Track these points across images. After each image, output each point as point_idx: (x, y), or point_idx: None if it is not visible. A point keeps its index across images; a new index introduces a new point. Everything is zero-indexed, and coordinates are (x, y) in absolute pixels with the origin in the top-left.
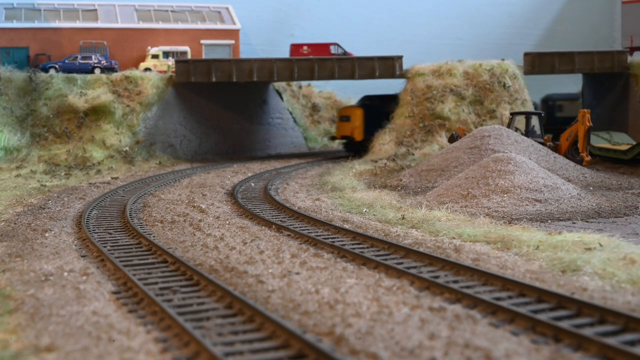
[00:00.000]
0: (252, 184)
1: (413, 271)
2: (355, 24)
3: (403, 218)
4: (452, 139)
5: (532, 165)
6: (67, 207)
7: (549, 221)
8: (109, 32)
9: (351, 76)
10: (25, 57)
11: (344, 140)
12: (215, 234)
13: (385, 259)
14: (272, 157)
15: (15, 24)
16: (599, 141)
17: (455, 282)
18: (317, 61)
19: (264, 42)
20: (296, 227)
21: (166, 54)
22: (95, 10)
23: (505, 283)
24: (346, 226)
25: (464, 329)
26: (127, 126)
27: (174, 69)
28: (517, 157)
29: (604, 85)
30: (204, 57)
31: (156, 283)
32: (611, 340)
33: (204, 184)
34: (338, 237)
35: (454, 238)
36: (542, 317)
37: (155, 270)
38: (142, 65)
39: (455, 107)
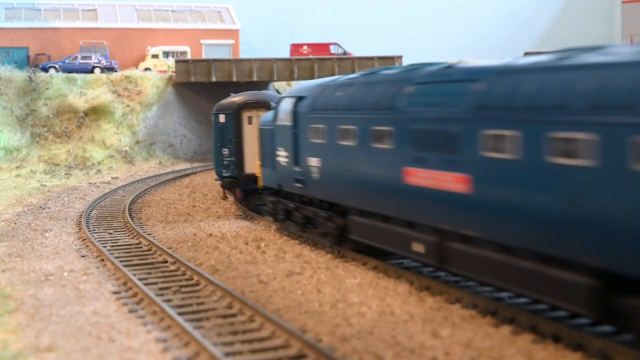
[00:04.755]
0: None
1: (413, 271)
2: (355, 24)
3: None
4: None
5: None
6: (67, 207)
7: None
8: (109, 32)
9: None
10: (25, 57)
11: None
12: (216, 233)
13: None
14: None
15: (15, 24)
16: None
17: (456, 282)
18: (317, 61)
19: (264, 42)
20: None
21: (166, 54)
22: (95, 10)
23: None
24: None
25: (465, 328)
26: (127, 126)
27: (173, 69)
28: None
29: None
30: (204, 57)
31: (156, 283)
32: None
33: (205, 184)
34: None
35: None
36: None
37: (155, 270)
38: (142, 65)
39: None
